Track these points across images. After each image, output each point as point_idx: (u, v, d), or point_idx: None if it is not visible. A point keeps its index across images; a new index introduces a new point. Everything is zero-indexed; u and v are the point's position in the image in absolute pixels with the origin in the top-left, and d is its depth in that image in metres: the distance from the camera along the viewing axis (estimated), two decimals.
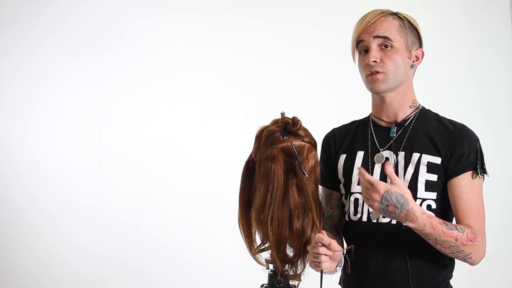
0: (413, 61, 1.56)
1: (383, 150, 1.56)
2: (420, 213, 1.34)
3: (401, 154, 1.53)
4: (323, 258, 1.32)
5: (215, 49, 2.90)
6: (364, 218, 1.56)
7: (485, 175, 1.50)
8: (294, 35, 3.00)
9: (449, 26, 3.24)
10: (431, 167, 1.49)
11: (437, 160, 1.49)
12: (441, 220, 1.40)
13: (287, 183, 1.36)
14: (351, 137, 1.64)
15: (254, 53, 2.95)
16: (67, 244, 2.70)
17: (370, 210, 1.55)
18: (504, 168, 3.25)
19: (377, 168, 1.55)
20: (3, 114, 2.66)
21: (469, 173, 1.47)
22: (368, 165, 1.56)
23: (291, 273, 1.41)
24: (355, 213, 1.57)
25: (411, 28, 1.56)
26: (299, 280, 1.42)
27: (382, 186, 1.31)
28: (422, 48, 1.59)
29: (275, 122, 1.41)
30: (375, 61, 1.50)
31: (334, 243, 1.33)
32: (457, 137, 1.49)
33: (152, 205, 2.81)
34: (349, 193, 1.59)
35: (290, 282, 1.41)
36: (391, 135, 1.56)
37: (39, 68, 2.69)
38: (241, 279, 2.30)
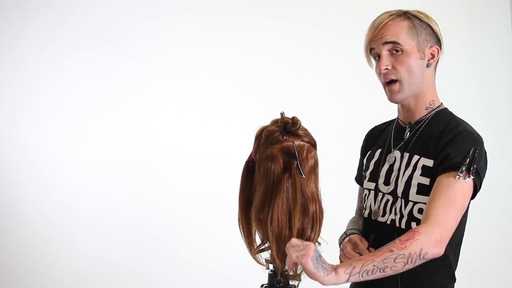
0: (428, 60, 1.53)
1: (394, 151, 1.57)
2: (334, 277, 1.19)
3: (406, 156, 1.53)
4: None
5: (215, 49, 2.90)
6: (367, 215, 1.61)
7: (474, 179, 1.40)
8: (295, 35, 3.01)
9: (449, 26, 3.23)
10: (425, 170, 1.48)
11: (431, 163, 1.47)
12: (361, 257, 1.28)
13: (287, 183, 1.36)
14: (379, 135, 1.69)
15: (254, 53, 2.95)
16: (67, 244, 2.70)
17: (373, 208, 1.58)
18: (504, 168, 3.25)
19: (385, 167, 1.58)
20: (2, 114, 2.66)
21: (450, 173, 1.40)
22: (380, 163, 1.60)
23: (291, 273, 1.41)
24: (364, 208, 1.64)
25: (423, 26, 1.52)
26: (299, 280, 1.42)
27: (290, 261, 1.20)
28: (438, 44, 1.55)
29: (275, 122, 1.41)
30: (386, 69, 1.50)
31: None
32: (450, 140, 1.45)
33: (152, 205, 2.81)
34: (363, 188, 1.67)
35: (290, 282, 1.40)
36: (404, 136, 1.57)
37: (37, 68, 2.69)
38: (241, 279, 2.30)
